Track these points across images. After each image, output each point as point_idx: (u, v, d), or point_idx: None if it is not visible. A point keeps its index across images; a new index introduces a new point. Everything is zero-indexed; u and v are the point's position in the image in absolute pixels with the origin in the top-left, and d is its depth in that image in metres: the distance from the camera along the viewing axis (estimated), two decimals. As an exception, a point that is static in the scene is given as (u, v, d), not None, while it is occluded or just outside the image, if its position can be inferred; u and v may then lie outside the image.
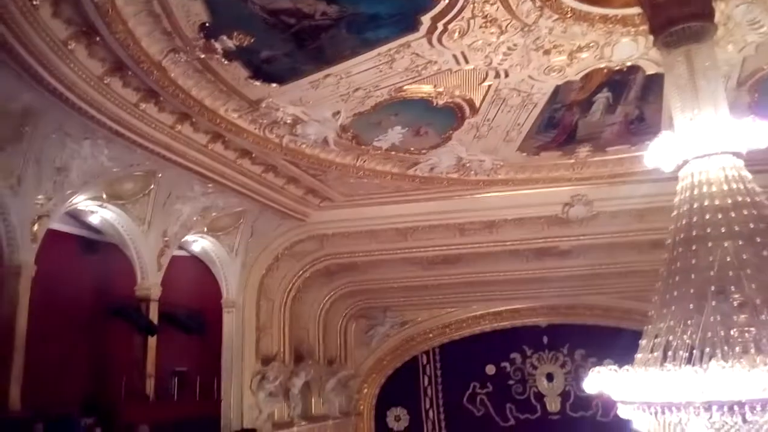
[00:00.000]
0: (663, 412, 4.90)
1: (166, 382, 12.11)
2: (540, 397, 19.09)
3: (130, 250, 11.14)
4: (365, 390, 18.62)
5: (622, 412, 5.40)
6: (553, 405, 18.99)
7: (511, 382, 19.31)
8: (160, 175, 10.33)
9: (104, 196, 10.16)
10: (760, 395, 4.50)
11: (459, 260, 15.70)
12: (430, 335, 19.18)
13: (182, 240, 12.22)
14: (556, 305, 18.62)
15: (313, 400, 16.05)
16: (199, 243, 13.00)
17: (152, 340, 11.28)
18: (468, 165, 11.31)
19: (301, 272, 15.02)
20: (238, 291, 13.49)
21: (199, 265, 13.60)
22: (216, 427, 12.60)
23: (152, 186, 10.56)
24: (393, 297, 18.24)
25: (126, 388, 10.46)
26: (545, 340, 19.40)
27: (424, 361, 19.66)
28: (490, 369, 19.47)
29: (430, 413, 19.35)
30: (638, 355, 5.62)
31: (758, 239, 5.34)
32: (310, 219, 13.34)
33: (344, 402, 17.23)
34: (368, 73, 7.95)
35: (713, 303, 5.30)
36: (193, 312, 13.17)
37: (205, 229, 12.47)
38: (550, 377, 19.17)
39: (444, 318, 19.00)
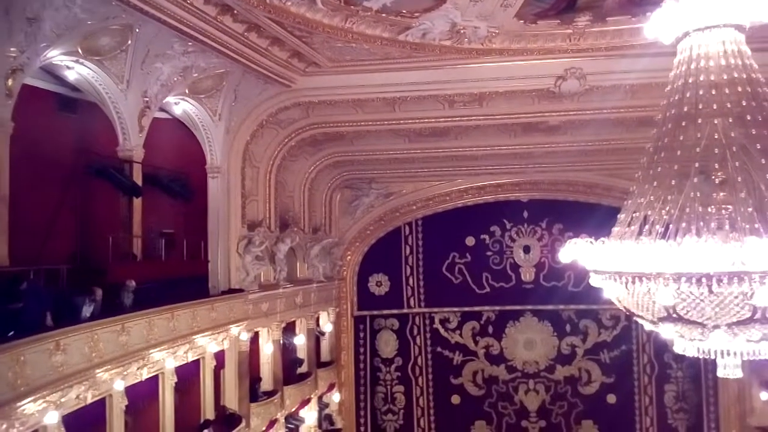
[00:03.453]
0: (633, 282, 5.09)
1: (154, 243, 12.36)
2: (516, 267, 19.93)
3: (110, 110, 10.84)
4: (349, 257, 19.24)
5: (594, 281, 5.61)
6: (527, 275, 19.88)
7: (489, 253, 20.04)
8: (137, 30, 9.80)
9: (80, 50, 9.68)
10: (728, 269, 4.67)
11: (446, 133, 15.59)
12: (414, 207, 19.53)
13: (163, 101, 11.88)
14: (538, 181, 18.87)
15: (298, 265, 16.60)
16: (181, 105, 12.66)
17: (137, 202, 11.34)
18: (462, 32, 10.84)
19: (286, 140, 14.86)
20: (222, 157, 13.38)
21: (182, 129, 13.36)
22: (204, 286, 13.05)
23: (130, 42, 10.05)
24: (379, 169, 18.31)
25: (113, 248, 10.65)
26: (525, 214, 19.90)
27: (407, 232, 20.19)
28: (470, 240, 20.12)
29: (410, 280, 20.21)
30: (615, 228, 5.75)
31: (748, 117, 5.28)
32: (296, 85, 12.94)
33: (328, 267, 17.84)
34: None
35: (695, 180, 5.35)
36: (178, 176, 13.17)
37: (187, 91, 12.09)
38: (527, 249, 19.90)
39: (428, 191, 19.25)
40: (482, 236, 20.11)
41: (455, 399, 20.40)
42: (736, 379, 15.43)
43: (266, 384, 14.65)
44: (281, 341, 15.19)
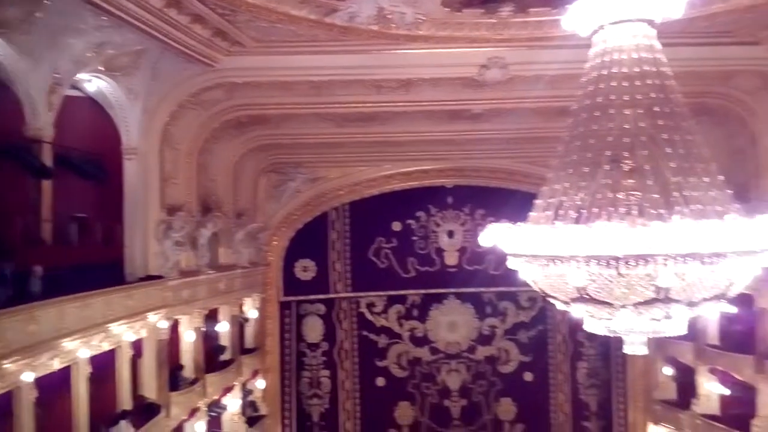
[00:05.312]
0: (548, 265, 5.31)
1: (65, 227, 11.71)
2: (440, 252, 20.38)
3: (15, 85, 10.12)
4: (275, 242, 19.00)
5: (511, 264, 5.81)
6: (451, 259, 20.37)
7: (414, 238, 20.37)
8: (46, 1, 9.17)
9: (-20, 21, 8.98)
10: (635, 252, 4.94)
11: (374, 119, 15.61)
12: (341, 192, 19.51)
13: (75, 78, 11.23)
14: (463, 167, 19.30)
15: (221, 250, 16.22)
16: (95, 83, 12.01)
17: (47, 184, 10.69)
18: (389, 17, 10.84)
19: (209, 122, 14.41)
20: (139, 137, 12.79)
21: (97, 108, 12.67)
22: (120, 273, 12.54)
23: (38, 14, 9.39)
24: (305, 153, 18.12)
25: (21, 232, 10.02)
26: (450, 200, 20.35)
27: (334, 217, 20.17)
28: (396, 226, 20.37)
29: (337, 265, 20.23)
30: (532, 214, 5.96)
31: (657, 109, 5.58)
32: (219, 65, 12.53)
33: (253, 253, 17.56)
34: None
35: (606, 167, 5.61)
36: (91, 157, 12.50)
37: (102, 68, 11.47)
38: (450, 234, 20.37)
39: (355, 176, 19.26)
40: (408, 221, 20.41)
41: (380, 381, 20.72)
42: (642, 355, 16.43)
43: (188, 372, 14.33)
44: (203, 329, 14.85)
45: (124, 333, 11.52)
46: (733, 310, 14.87)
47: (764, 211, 5.25)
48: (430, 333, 20.88)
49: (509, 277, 6.56)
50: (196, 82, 12.94)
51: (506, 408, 20.82)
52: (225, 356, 16.26)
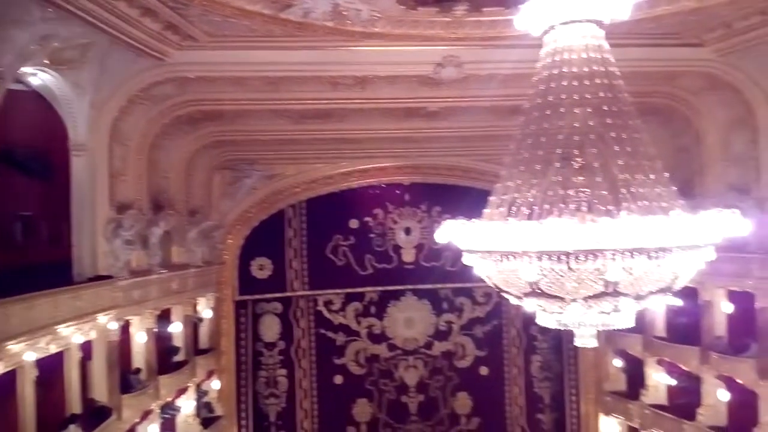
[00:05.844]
0: (501, 260, 5.39)
1: (9, 226, 11.27)
2: (397, 249, 20.47)
3: (-47, 79, 9.67)
4: (230, 240, 18.71)
5: (466, 260, 5.88)
6: (408, 256, 20.49)
7: (372, 235, 20.40)
8: (-15, -9, 8.80)
9: None
10: (585, 247, 5.07)
11: (330, 116, 15.54)
12: (298, 189, 19.35)
13: (19, 72, 10.78)
14: (420, 165, 19.43)
15: (174, 249, 15.88)
16: (40, 77, 11.55)
17: (-13, 181, 10.27)
18: (344, 14, 10.78)
19: (160, 117, 14.04)
20: (87, 133, 12.35)
21: (41, 102, 12.18)
22: (68, 273, 12.14)
23: (-24, 4, 8.99)
24: (261, 150, 17.90)
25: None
26: (407, 197, 20.46)
27: (291, 215, 20.01)
28: (354, 223, 20.36)
29: (294, 263, 20.08)
30: (486, 210, 6.04)
31: (605, 108, 5.73)
32: (171, 59, 12.24)
33: (207, 252, 17.24)
34: None
35: (557, 165, 5.74)
36: (37, 153, 12.05)
37: (47, 62, 11.04)
38: (407, 231, 20.49)
39: (312, 173, 19.13)
40: (366, 218, 20.42)
41: (338, 379, 20.69)
42: (593, 348, 16.84)
43: (141, 374, 13.98)
44: (155, 329, 14.52)
45: (72, 335, 11.18)
46: (679, 303, 15.45)
47: (708, 207, 5.45)
48: (388, 330, 20.95)
49: (465, 273, 6.65)
50: (146, 76, 12.60)
51: (462, 402, 21.09)
52: (178, 357, 15.94)
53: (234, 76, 12.99)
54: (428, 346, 21.06)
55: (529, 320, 18.37)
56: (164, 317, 15.42)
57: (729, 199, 13.56)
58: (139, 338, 14.03)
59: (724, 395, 15.25)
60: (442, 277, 20.06)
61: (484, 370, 21.13)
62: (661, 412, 16.79)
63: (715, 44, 12.78)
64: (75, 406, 11.54)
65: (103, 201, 12.85)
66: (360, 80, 13.48)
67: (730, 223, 5.36)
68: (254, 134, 16.56)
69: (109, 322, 12.43)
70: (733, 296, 15.10)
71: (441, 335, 21.09)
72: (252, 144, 17.30)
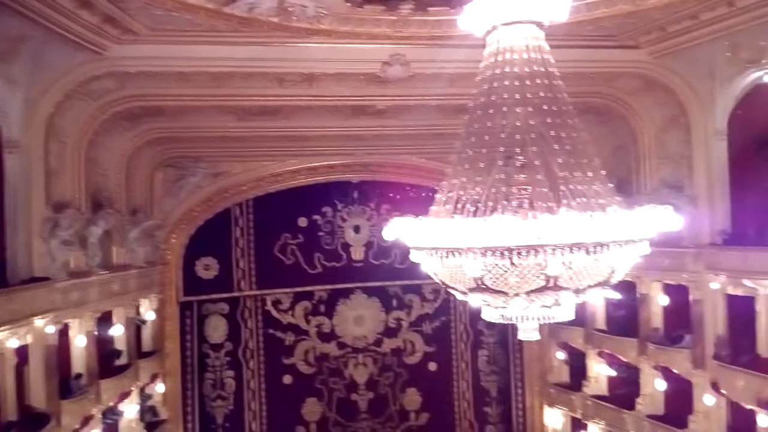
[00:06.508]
0: (447, 257, 5.46)
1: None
2: (346, 247, 20.44)
3: None
4: (173, 240, 18.24)
5: (414, 256, 5.93)
6: (357, 254, 20.50)
7: (321, 233, 20.31)
8: None
9: None
10: (526, 243, 5.19)
11: (277, 113, 15.37)
12: (244, 188, 19.05)
13: (-57, 64, 10.25)
14: (368, 163, 19.44)
15: (114, 249, 15.38)
16: (-32, 70, 11.01)
17: None
18: (290, 9, 10.69)
19: (98, 113, 13.57)
20: (21, 130, 11.84)
21: (-30, 96, 11.62)
22: (1, 275, 11.61)
23: None
24: (206, 147, 17.54)
25: None
26: (356, 195, 20.45)
27: (237, 213, 19.69)
28: (302, 221, 20.21)
29: (241, 262, 19.78)
30: (432, 207, 6.11)
31: (545, 107, 5.88)
32: (110, 53, 11.84)
33: (150, 252, 16.79)
34: None
35: (500, 163, 5.85)
36: (-35, 150, 11.48)
37: (-25, 54, 10.54)
38: (357, 229, 20.49)
39: (259, 171, 18.86)
40: (314, 217, 20.31)
41: (287, 379, 20.53)
42: (537, 341, 17.31)
43: (81, 378, 13.51)
44: (96, 332, 14.04)
45: (7, 339, 10.75)
46: (618, 296, 16.05)
47: (643, 204, 5.67)
48: (337, 328, 20.92)
49: (414, 270, 6.70)
50: (83, 70, 12.16)
51: (412, 398, 21.27)
52: (121, 361, 15.46)
53: (176, 71, 12.68)
54: (378, 343, 21.14)
55: (475, 316, 18.67)
56: (105, 320, 14.93)
57: (663, 196, 14.18)
58: (79, 342, 13.55)
59: (661, 385, 15.93)
60: (391, 275, 20.16)
61: (432, 366, 21.37)
62: (602, 403, 17.39)
63: (650, 47, 13.32)
64: (11, 413, 11.08)
65: (38, 200, 12.34)
66: (307, 77, 13.39)
67: (663, 218, 5.58)
68: (198, 131, 16.22)
69: (46, 326, 11.96)
70: (668, 289, 15.79)
71: (390, 332, 21.20)
72: (196, 141, 16.94)
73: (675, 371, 15.31)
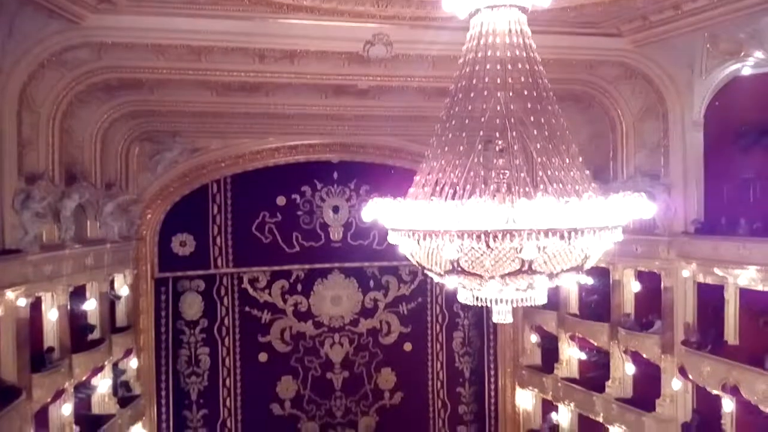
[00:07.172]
0: (424, 239, 5.50)
1: None
2: (325, 227, 20.40)
3: None
4: (149, 215, 18.02)
5: (391, 238, 5.95)
6: (336, 234, 20.48)
7: (299, 212, 20.22)
8: None
9: None
10: (503, 227, 5.24)
11: (257, 89, 15.17)
12: (222, 164, 18.83)
13: None
14: (349, 143, 19.34)
15: (88, 223, 15.16)
16: (-63, 35, 10.68)
17: None
18: (272, -16, 10.53)
19: (74, 84, 13.25)
20: (-7, 99, 11.56)
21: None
22: (-29, 247, 11.43)
23: None
24: (184, 122, 17.24)
25: None
26: (335, 175, 20.35)
27: (215, 190, 19.49)
28: (281, 200, 20.09)
29: (218, 240, 19.64)
30: (411, 189, 6.12)
31: (526, 92, 5.90)
32: (86, 23, 11.54)
33: (125, 227, 16.56)
34: None
35: (479, 147, 5.88)
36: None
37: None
38: (336, 209, 20.44)
39: (238, 148, 18.65)
40: (293, 196, 20.20)
41: (262, 357, 20.55)
42: (511, 324, 17.52)
43: (53, 352, 13.38)
44: (68, 306, 13.89)
45: (-25, 312, 10.55)
46: (591, 281, 16.31)
47: (618, 191, 5.75)
48: (314, 307, 20.95)
49: (392, 252, 6.73)
50: (59, 40, 11.83)
51: (386, 378, 21.47)
52: (94, 335, 15.33)
53: (154, 43, 12.40)
54: (354, 323, 21.24)
55: (451, 298, 18.87)
56: (78, 294, 14.77)
57: (639, 184, 14.39)
58: (51, 315, 13.41)
59: (630, 369, 16.28)
60: (369, 256, 20.19)
61: (407, 346, 21.56)
62: (572, 385, 17.74)
63: (632, 35, 13.40)
64: (-21, 387, 10.95)
65: (11, 171, 12.06)
66: (288, 54, 13.22)
67: (637, 206, 5.68)
68: (176, 105, 15.94)
69: (18, 299, 11.80)
70: (641, 276, 16.08)
71: (367, 313, 21.30)
72: (174, 115, 16.65)
73: (644, 356, 15.65)
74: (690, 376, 14.33)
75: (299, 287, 20.83)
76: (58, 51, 12.01)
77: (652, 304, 15.62)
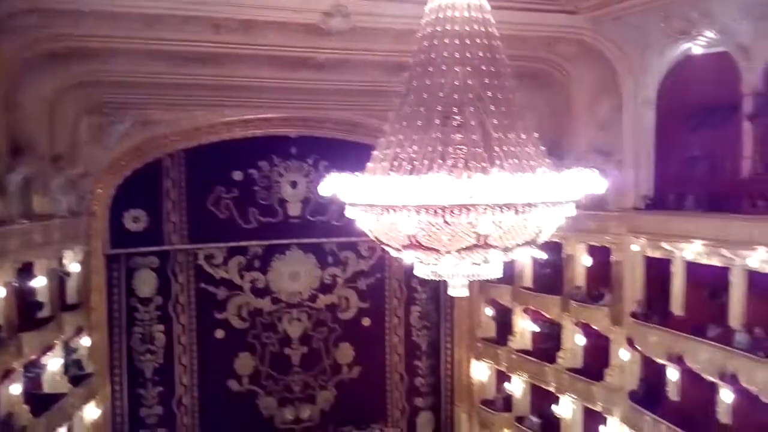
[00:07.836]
0: (382, 213, 5.49)
1: None
2: (283, 202, 20.24)
3: None
4: (99, 190, 17.50)
5: (349, 213, 5.93)
6: (294, 210, 20.35)
7: (256, 188, 19.98)
8: None
9: None
10: (460, 202, 5.28)
11: (212, 60, 14.77)
12: (176, 138, 18.39)
13: None
14: (307, 117, 19.12)
15: (35, 198, 14.62)
16: None
17: None
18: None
19: (21, 52, 12.67)
20: (-71, 66, 10.95)
21: None
22: None
23: None
24: (135, 93, 16.69)
25: None
26: (293, 150, 20.14)
27: (168, 164, 19.06)
28: (238, 175, 19.80)
29: (172, 215, 19.26)
30: (369, 164, 6.09)
31: (483, 68, 5.90)
32: (31, -13, 11.01)
33: (74, 201, 16.08)
34: None
35: (437, 122, 5.87)
36: None
37: None
38: (294, 185, 20.27)
39: (193, 121, 18.20)
40: (250, 171, 19.94)
41: (219, 333, 20.42)
42: (467, 298, 17.80)
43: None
44: (16, 284, 13.44)
45: None
46: (544, 256, 16.69)
47: (572, 167, 5.84)
48: (272, 284, 20.86)
49: (351, 227, 6.69)
50: (5, 5, 11.28)
51: (345, 352, 21.63)
52: (43, 313, 14.92)
53: (105, 10, 11.91)
54: (312, 299, 21.26)
55: (410, 273, 18.95)
56: (26, 271, 14.30)
57: (592, 161, 14.69)
58: (-2, 293, 12.98)
59: (581, 340, 16.82)
60: (327, 232, 20.16)
61: (366, 321, 21.73)
62: (525, 357, 18.25)
63: (589, 13, 13.55)
64: None
65: (-51, 143, 11.53)
66: (245, 24, 12.89)
67: (589, 182, 5.79)
68: (128, 76, 15.40)
69: (-40, 277, 11.36)
70: (592, 250, 16.53)
71: (325, 288, 21.33)
72: (125, 86, 16.10)
73: (594, 328, 16.18)
74: (638, 347, 14.89)
75: (257, 263, 20.69)
76: (4, 16, 11.43)
77: (603, 277, 16.10)
